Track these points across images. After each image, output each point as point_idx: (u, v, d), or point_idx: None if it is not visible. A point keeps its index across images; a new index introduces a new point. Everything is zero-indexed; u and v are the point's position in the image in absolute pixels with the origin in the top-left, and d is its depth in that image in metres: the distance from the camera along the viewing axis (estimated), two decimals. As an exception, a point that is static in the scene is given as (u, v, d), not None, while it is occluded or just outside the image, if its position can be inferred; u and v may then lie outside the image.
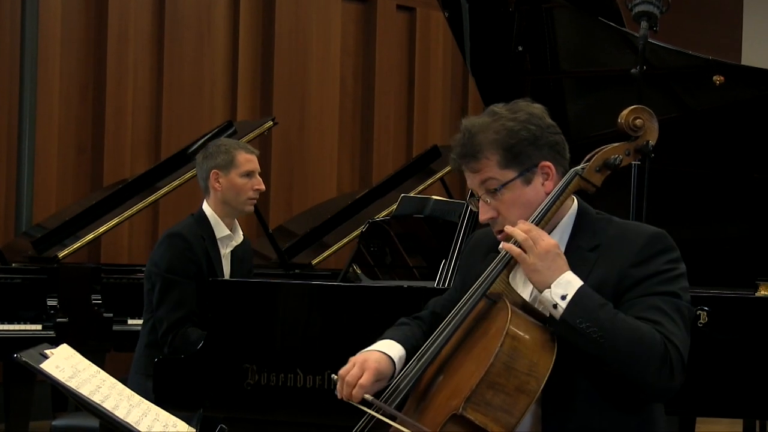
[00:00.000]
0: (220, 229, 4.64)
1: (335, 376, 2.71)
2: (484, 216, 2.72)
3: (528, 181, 2.68)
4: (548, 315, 2.57)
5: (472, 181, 2.73)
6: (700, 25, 10.26)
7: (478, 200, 2.74)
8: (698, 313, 3.76)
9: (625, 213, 4.07)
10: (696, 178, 4.75)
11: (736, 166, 4.70)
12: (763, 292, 4.27)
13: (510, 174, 2.67)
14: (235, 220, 4.75)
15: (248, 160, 4.68)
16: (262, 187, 4.72)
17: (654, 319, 2.53)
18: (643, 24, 4.25)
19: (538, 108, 2.73)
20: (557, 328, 2.52)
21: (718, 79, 4.40)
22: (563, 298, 2.50)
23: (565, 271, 2.54)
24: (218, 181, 4.64)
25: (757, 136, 4.58)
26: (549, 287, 2.52)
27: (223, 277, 4.62)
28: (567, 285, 2.52)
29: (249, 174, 4.66)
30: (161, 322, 4.45)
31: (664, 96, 4.58)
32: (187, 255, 4.51)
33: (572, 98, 4.83)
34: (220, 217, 4.66)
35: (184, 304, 4.45)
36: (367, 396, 2.65)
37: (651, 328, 2.51)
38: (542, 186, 2.69)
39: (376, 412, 2.61)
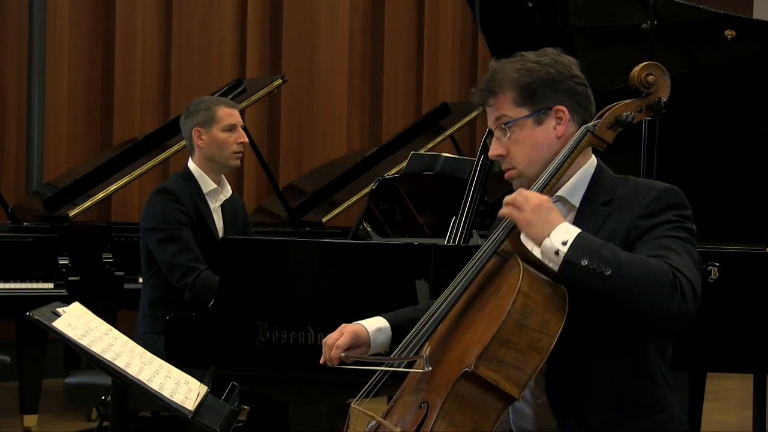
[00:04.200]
0: (207, 184, 4.69)
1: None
2: (493, 151, 2.75)
3: (539, 122, 2.69)
4: (550, 265, 2.57)
5: (489, 118, 2.76)
6: (711, -20, 10.19)
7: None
8: (709, 269, 3.76)
9: (635, 168, 4.07)
10: (707, 133, 4.73)
11: (747, 121, 4.68)
12: (774, 248, 4.26)
13: (522, 112, 2.69)
14: (222, 175, 4.78)
15: (229, 114, 4.71)
16: (245, 139, 4.76)
17: (660, 254, 2.51)
18: (655, -22, 4.22)
19: (566, 58, 2.75)
20: (562, 271, 2.49)
21: (729, 33, 4.37)
22: (564, 243, 2.48)
23: (562, 222, 2.53)
24: (201, 138, 4.69)
25: (768, 91, 4.56)
26: (548, 236, 2.51)
27: (216, 230, 4.69)
28: (566, 232, 2.50)
29: (231, 128, 4.70)
30: (174, 267, 4.48)
31: (676, 51, 4.55)
32: (176, 206, 4.58)
33: (582, 54, 4.80)
34: (206, 173, 4.70)
35: (191, 247, 4.52)
36: (344, 355, 2.74)
37: (657, 260, 2.48)
38: (554, 130, 2.69)
39: (357, 365, 2.68)
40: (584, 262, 2.45)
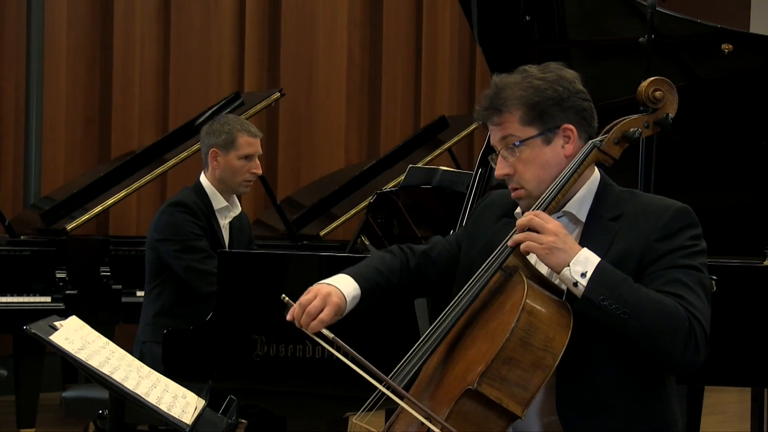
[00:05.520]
0: (218, 201, 4.72)
1: (287, 298, 2.68)
2: (499, 171, 2.70)
3: (548, 141, 2.66)
4: (565, 294, 2.55)
5: (494, 136, 2.71)
6: (708, -7, 10.21)
7: (497, 156, 2.72)
8: (706, 282, 3.76)
9: (634, 181, 4.06)
10: (705, 146, 4.74)
11: (744, 134, 4.69)
12: (771, 261, 4.26)
13: (531, 131, 2.65)
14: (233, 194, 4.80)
15: (249, 143, 4.73)
16: (259, 171, 4.80)
17: (677, 292, 2.51)
18: (652, -8, 4.23)
19: (569, 73, 2.72)
20: (580, 306, 2.49)
21: (726, 47, 4.38)
22: (583, 275, 2.47)
23: (581, 249, 2.52)
24: (216, 160, 4.71)
25: (765, 104, 4.56)
26: (567, 266, 2.50)
27: (224, 246, 4.70)
28: (585, 262, 2.49)
29: (248, 157, 4.71)
30: (200, 274, 4.51)
31: (673, 65, 4.56)
32: (191, 219, 4.61)
33: (580, 67, 4.78)
34: (217, 191, 4.72)
35: (213, 255, 4.52)
36: (326, 331, 2.63)
37: (675, 303, 2.49)
38: (562, 149, 2.66)
39: (345, 356, 2.59)
40: (603, 302, 2.46)
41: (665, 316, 2.46)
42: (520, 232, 2.56)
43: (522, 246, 2.54)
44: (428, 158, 7.40)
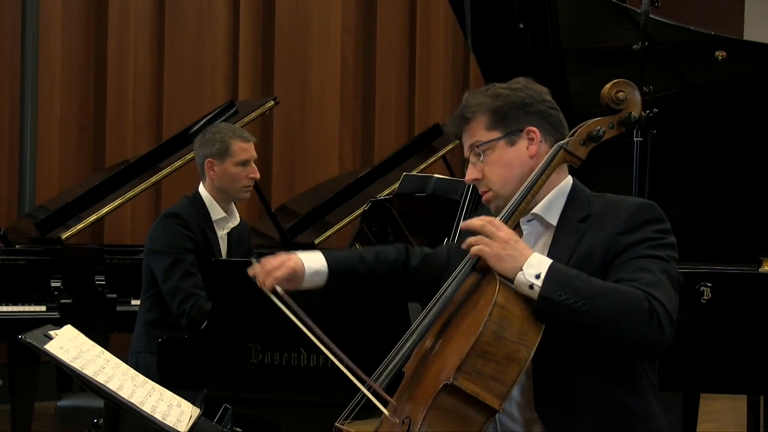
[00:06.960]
0: (216, 211, 4.71)
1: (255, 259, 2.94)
2: (469, 176, 2.80)
3: (512, 143, 2.74)
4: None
5: (465, 145, 2.82)
6: (701, 0, 10.23)
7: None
8: (702, 289, 3.76)
9: (627, 189, 4.07)
10: (698, 153, 4.74)
11: (738, 141, 4.69)
12: (766, 268, 4.27)
13: (495, 134, 2.75)
14: (232, 203, 4.79)
15: (243, 149, 4.72)
16: (257, 175, 4.79)
17: (636, 277, 2.55)
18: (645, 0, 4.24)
19: (538, 86, 2.80)
20: (539, 306, 2.52)
21: (720, 54, 4.39)
22: (537, 277, 2.51)
23: (532, 254, 2.56)
24: (213, 170, 4.70)
25: (759, 110, 4.57)
26: (520, 270, 2.53)
27: (221, 257, 4.66)
28: (538, 264, 2.53)
29: (244, 163, 4.71)
30: (175, 292, 4.48)
31: (667, 72, 4.57)
32: (185, 233, 4.59)
33: (574, 75, 4.83)
34: (216, 201, 4.71)
35: (193, 273, 4.52)
36: (279, 288, 2.84)
37: (631, 287, 2.52)
38: (526, 150, 2.74)
39: (303, 324, 2.76)
40: (560, 297, 2.49)
41: (622, 300, 2.49)
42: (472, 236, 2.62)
43: (473, 249, 2.60)
44: (422, 166, 7.40)
